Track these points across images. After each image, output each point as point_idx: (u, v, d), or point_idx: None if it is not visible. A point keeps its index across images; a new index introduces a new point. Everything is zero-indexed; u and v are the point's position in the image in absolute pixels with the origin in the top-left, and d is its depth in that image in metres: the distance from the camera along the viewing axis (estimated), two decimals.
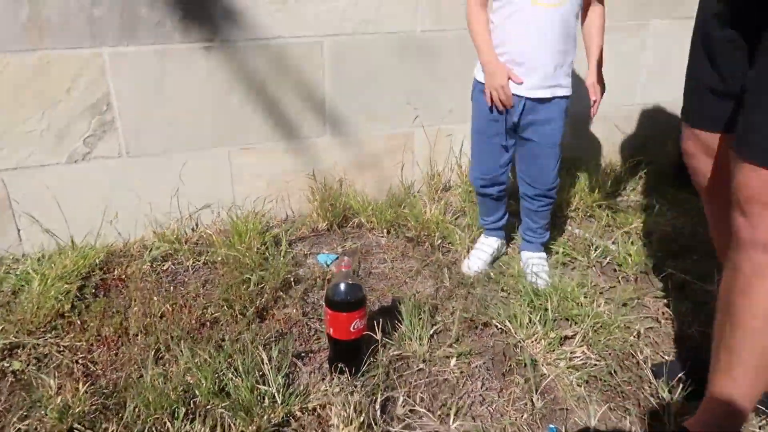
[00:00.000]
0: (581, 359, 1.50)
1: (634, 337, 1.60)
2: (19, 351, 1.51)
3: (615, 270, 1.95)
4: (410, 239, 2.11)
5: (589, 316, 1.61)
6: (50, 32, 1.82)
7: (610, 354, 1.53)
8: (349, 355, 1.42)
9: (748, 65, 1.07)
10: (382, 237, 2.15)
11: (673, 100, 2.66)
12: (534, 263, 1.90)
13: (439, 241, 2.08)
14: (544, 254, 1.95)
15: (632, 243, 2.06)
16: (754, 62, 1.05)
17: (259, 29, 2.04)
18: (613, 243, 2.08)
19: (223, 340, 1.53)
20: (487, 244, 1.99)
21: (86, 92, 1.92)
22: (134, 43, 1.92)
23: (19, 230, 1.99)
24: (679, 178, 2.43)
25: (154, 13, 1.91)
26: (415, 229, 2.12)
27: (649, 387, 1.43)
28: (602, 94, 1.78)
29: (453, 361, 1.50)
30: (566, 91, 1.70)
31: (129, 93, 1.96)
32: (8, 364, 1.46)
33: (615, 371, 1.47)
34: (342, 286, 1.37)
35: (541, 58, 1.63)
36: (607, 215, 2.27)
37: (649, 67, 2.72)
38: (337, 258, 1.89)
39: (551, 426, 1.33)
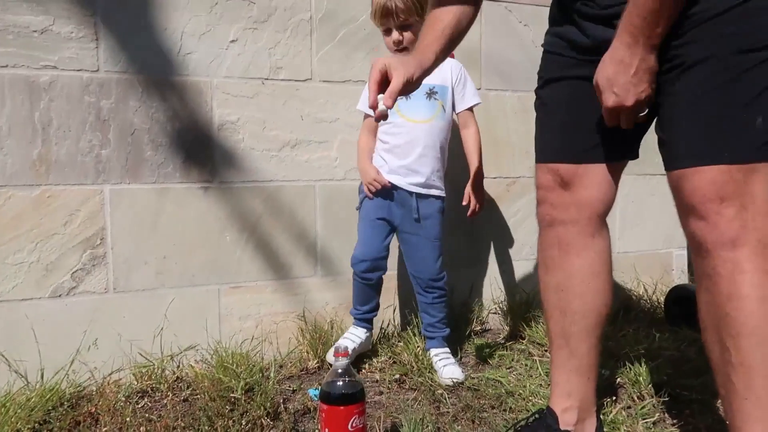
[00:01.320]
0: None
1: None
2: None
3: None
4: (405, 374, 1.99)
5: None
6: (57, 169, 1.92)
7: None
8: None
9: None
10: (375, 373, 2.02)
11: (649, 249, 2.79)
12: (441, 357, 1.99)
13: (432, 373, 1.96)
14: (447, 349, 2.06)
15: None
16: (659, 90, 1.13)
17: (255, 173, 2.17)
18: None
19: None
20: (356, 335, 2.05)
21: (82, 226, 1.95)
22: (136, 181, 2.02)
23: None
24: (670, 318, 2.43)
25: (159, 154, 2.04)
26: (410, 363, 2.01)
27: None
28: (481, 206, 2.15)
29: None
30: (441, 193, 2.07)
31: (124, 228, 2.00)
32: None
33: None
34: (339, 377, 1.26)
35: (420, 164, 2.01)
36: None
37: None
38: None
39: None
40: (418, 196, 2.03)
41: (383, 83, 1.20)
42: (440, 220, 2.08)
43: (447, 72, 2.08)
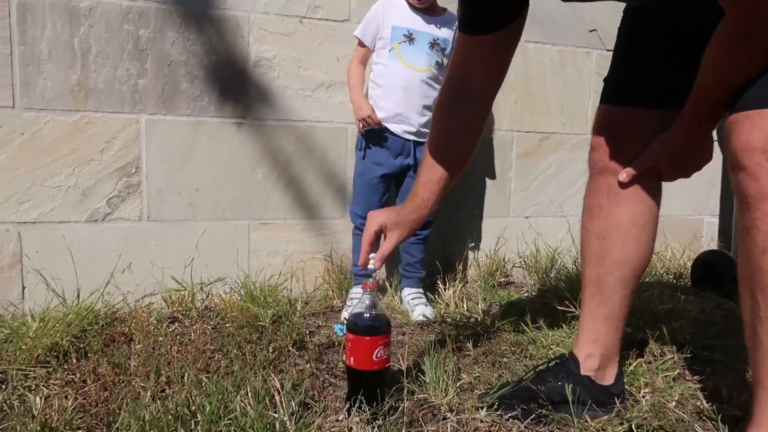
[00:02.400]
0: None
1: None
2: (4, 386, 1.37)
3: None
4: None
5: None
6: (95, 96, 1.94)
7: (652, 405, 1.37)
8: (370, 388, 1.28)
9: None
10: (399, 314, 2.05)
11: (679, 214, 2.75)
12: (414, 297, 2.07)
13: (457, 317, 1.98)
14: (421, 290, 2.14)
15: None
16: None
17: (289, 111, 2.17)
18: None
19: (233, 370, 1.39)
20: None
21: (118, 154, 1.98)
22: (171, 112, 2.03)
23: (24, 288, 1.92)
24: (696, 282, 2.40)
25: (194, 87, 2.05)
26: (433, 308, 2.04)
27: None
28: None
29: (483, 413, 1.35)
30: None
31: (158, 158, 2.03)
32: None
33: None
34: (366, 308, 1.28)
35: (414, 112, 2.03)
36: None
37: None
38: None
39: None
40: (415, 143, 2.06)
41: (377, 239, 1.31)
42: None
43: (454, 26, 2.04)
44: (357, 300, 2.05)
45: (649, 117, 1.27)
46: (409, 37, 2.02)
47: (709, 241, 2.95)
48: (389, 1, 2.06)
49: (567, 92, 2.61)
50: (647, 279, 2.50)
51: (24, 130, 1.88)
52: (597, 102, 1.36)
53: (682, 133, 1.19)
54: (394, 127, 2.04)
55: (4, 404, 1.26)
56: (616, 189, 1.30)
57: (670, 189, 1.36)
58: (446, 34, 2.06)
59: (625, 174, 1.28)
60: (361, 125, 2.06)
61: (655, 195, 1.32)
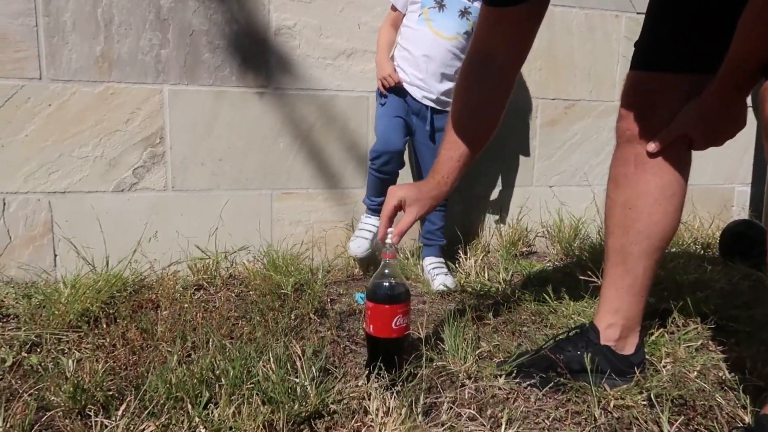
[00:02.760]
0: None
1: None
2: (39, 348, 1.43)
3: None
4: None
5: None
6: (119, 67, 1.96)
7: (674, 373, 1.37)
8: (389, 356, 1.30)
9: None
10: (420, 283, 2.06)
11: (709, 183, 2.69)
12: (435, 266, 2.07)
13: (478, 287, 1.99)
14: (442, 259, 2.12)
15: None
16: None
17: (310, 80, 2.16)
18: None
19: (255, 336, 1.43)
20: (371, 224, 2.10)
21: (143, 124, 2.01)
22: (194, 82, 2.04)
23: (56, 255, 1.98)
24: (724, 252, 2.35)
25: (216, 57, 2.05)
26: (454, 277, 2.04)
27: (726, 402, 1.26)
28: None
29: (502, 380, 1.36)
30: None
31: (182, 129, 2.05)
32: (26, 355, 1.38)
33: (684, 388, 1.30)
34: (385, 277, 1.29)
35: (437, 79, 2.01)
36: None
37: None
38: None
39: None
40: (433, 110, 2.05)
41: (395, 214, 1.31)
42: None
43: None
44: (364, 229, 2.10)
45: (681, 83, 1.23)
46: (440, 4, 1.98)
47: (740, 211, 2.89)
48: None
49: (594, 58, 2.54)
50: (673, 249, 2.46)
51: (51, 101, 1.92)
52: (626, 68, 1.32)
53: (715, 100, 1.15)
54: (414, 91, 2.03)
55: (39, 366, 1.32)
56: (643, 158, 1.27)
57: (700, 157, 1.32)
58: (479, 3, 2.00)
59: (653, 144, 1.24)
60: (381, 84, 2.05)
61: (684, 165, 1.29)
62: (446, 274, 2.04)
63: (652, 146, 1.25)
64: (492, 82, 1.33)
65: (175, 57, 2.01)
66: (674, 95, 1.23)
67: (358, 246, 2.09)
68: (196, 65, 2.03)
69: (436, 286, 1.98)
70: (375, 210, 2.11)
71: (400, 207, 1.30)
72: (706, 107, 1.17)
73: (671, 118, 1.23)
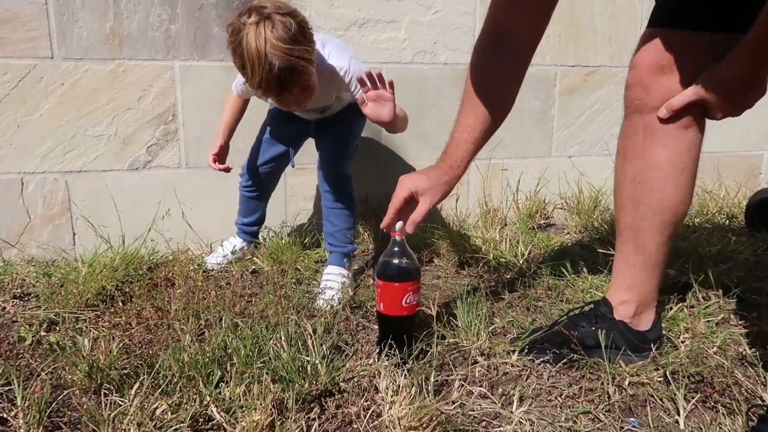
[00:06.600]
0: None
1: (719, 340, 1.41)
2: (57, 327, 1.46)
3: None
4: (464, 261, 2.00)
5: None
6: (129, 44, 1.94)
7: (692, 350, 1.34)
8: (400, 334, 1.29)
9: None
10: (435, 257, 2.05)
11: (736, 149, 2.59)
12: (328, 278, 1.69)
13: (495, 263, 1.96)
14: (344, 270, 1.74)
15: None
16: None
17: None
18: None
19: (267, 314, 1.44)
20: (232, 243, 1.98)
21: (155, 102, 2.00)
22: (204, 58, 2.02)
23: (74, 234, 2.00)
24: (750, 223, 2.28)
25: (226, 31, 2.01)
26: (469, 251, 2.02)
27: (745, 379, 1.23)
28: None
29: (515, 357, 1.35)
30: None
31: (194, 105, 2.04)
32: (45, 334, 1.41)
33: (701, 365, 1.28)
34: (395, 255, 1.28)
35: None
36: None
37: None
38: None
39: (632, 419, 1.15)
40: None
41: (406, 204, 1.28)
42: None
43: None
44: (221, 252, 1.93)
45: (699, 42, 1.13)
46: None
47: None
48: None
49: (616, 22, 2.44)
50: (697, 219, 2.40)
51: (64, 80, 1.92)
52: None
53: (743, 67, 1.06)
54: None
55: (57, 345, 1.35)
56: (653, 128, 1.20)
57: (727, 122, 1.23)
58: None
59: (665, 109, 1.16)
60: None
61: (697, 135, 1.20)
62: (337, 292, 1.64)
63: (662, 112, 1.17)
64: (508, 63, 1.29)
65: (185, 32, 1.99)
66: (692, 57, 1.14)
67: (212, 259, 1.95)
68: (207, 40, 2.01)
69: (316, 303, 1.60)
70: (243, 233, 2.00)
71: (409, 198, 1.28)
72: (729, 73, 1.08)
73: (687, 83, 1.15)
